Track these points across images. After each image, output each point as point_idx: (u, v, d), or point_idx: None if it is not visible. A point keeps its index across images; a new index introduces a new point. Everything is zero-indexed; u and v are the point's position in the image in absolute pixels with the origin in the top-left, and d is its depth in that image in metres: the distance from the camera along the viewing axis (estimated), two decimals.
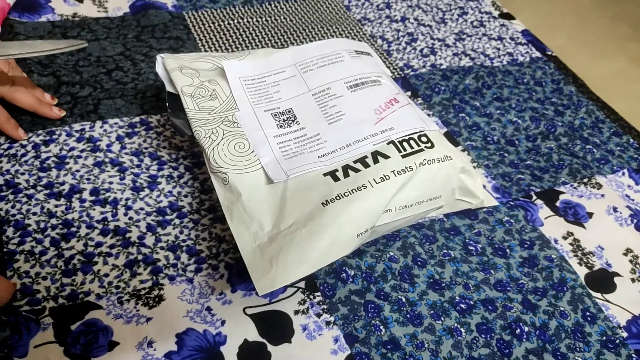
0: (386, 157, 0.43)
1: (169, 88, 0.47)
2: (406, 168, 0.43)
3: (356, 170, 0.42)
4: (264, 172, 0.42)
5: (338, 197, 0.40)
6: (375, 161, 0.43)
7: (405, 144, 0.44)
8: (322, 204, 0.40)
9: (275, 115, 0.46)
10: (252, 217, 0.39)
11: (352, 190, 0.40)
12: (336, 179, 0.41)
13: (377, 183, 0.41)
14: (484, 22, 0.74)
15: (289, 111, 0.46)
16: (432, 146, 0.45)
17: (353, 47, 0.52)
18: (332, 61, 0.50)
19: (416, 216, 0.45)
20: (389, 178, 0.42)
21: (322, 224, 0.38)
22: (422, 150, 0.44)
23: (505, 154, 0.56)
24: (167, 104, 0.47)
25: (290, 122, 0.45)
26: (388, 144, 0.44)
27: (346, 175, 0.42)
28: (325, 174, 0.42)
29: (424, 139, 0.45)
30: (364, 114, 0.46)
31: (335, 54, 0.50)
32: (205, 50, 0.62)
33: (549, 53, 0.70)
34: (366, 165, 0.42)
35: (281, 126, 0.45)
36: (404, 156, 0.43)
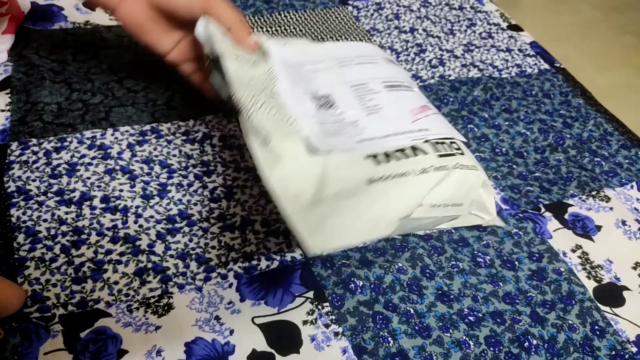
0: (425, 152, 0.43)
1: (207, 51, 0.45)
2: (442, 167, 0.43)
3: (397, 158, 0.42)
4: (305, 143, 0.40)
5: (382, 179, 0.40)
6: (415, 154, 0.43)
7: (439, 146, 0.45)
8: (366, 182, 0.40)
9: (314, 97, 0.45)
10: (292, 180, 0.37)
11: (395, 175, 0.41)
12: (378, 162, 0.41)
13: (417, 174, 0.42)
14: (492, 34, 0.74)
15: (328, 95, 0.46)
16: (463, 154, 0.46)
17: (386, 56, 0.53)
18: (369, 61, 0.50)
19: (438, 220, 0.45)
20: (428, 172, 0.42)
21: (368, 200, 0.39)
22: (454, 154, 0.45)
23: (514, 166, 0.56)
24: (206, 64, 0.45)
25: (328, 106, 0.45)
26: (424, 142, 0.44)
27: (389, 160, 0.42)
28: (366, 157, 0.41)
29: (455, 145, 0.46)
30: (400, 112, 0.46)
31: (371, 55, 0.51)
32: None
33: (558, 65, 0.70)
34: (406, 156, 0.43)
35: (320, 107, 0.44)
36: (439, 156, 0.44)
